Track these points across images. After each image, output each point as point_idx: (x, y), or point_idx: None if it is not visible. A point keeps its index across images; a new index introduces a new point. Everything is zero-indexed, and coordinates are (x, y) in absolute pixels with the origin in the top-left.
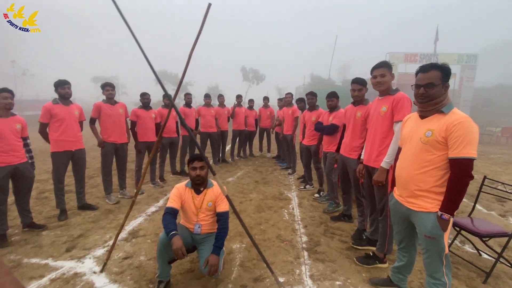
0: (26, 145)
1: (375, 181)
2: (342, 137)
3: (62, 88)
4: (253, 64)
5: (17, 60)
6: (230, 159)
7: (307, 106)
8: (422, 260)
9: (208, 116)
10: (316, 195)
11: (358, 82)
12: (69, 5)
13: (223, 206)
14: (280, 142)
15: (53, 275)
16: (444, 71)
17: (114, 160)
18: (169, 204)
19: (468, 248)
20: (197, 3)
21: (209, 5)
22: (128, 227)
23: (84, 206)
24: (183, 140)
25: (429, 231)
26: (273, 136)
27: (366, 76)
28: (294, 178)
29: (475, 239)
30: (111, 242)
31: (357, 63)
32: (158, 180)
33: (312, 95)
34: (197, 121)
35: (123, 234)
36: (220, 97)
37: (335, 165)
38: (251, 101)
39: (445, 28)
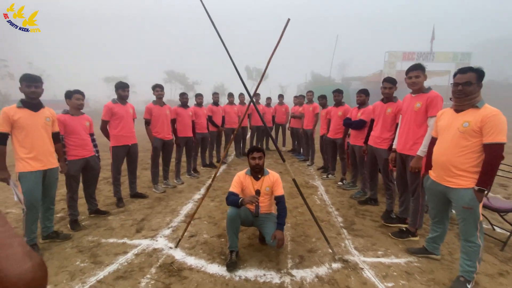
0: (93, 140)
1: (412, 167)
2: (369, 131)
3: (123, 90)
4: (257, 63)
5: (34, 62)
6: None
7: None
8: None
9: (232, 113)
10: (340, 183)
11: (390, 81)
12: (80, 10)
13: (280, 190)
14: (298, 136)
15: (135, 251)
16: (479, 73)
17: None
18: (231, 189)
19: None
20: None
21: (288, 20)
22: (183, 211)
23: (136, 195)
24: (211, 135)
25: (467, 203)
26: (286, 131)
27: (364, 73)
28: (313, 169)
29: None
30: (173, 224)
31: (355, 61)
32: (193, 172)
33: (338, 92)
34: (223, 118)
35: (181, 217)
36: (241, 96)
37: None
38: (268, 99)
39: (440, 27)
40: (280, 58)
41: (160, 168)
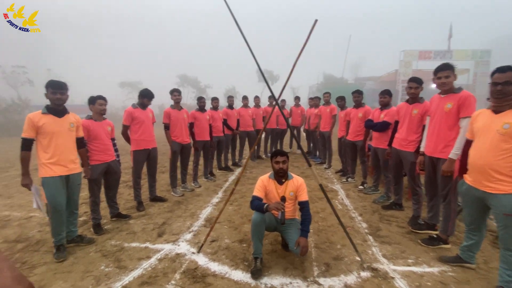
0: (114, 145)
1: (444, 171)
2: (394, 133)
3: (148, 100)
4: (267, 65)
5: (53, 68)
6: (264, 155)
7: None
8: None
9: (246, 116)
10: (360, 187)
11: (416, 81)
12: (94, 15)
13: (304, 196)
14: (313, 139)
15: (158, 255)
16: None
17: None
18: (255, 193)
19: None
20: (214, 12)
21: (316, 21)
22: (203, 215)
23: (155, 198)
24: (226, 138)
25: (510, 210)
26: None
27: (378, 73)
28: (331, 172)
29: None
30: (194, 228)
31: (368, 61)
32: (209, 175)
33: (358, 93)
34: (238, 121)
35: (201, 221)
36: (256, 99)
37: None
38: (282, 101)
39: (456, 24)
40: (291, 59)
41: (178, 171)
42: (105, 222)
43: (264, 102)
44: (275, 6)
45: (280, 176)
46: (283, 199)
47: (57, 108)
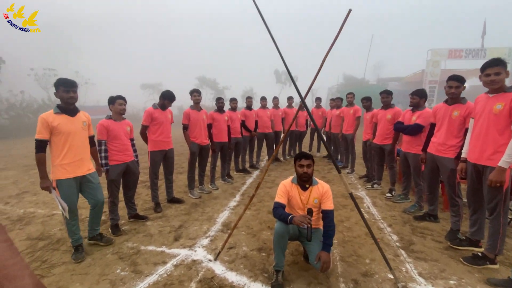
0: (133, 145)
1: (493, 181)
2: (429, 136)
3: (169, 102)
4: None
5: (80, 71)
6: (282, 158)
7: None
8: None
9: (265, 118)
10: (388, 194)
11: (456, 79)
12: (117, 17)
13: (329, 204)
14: (335, 141)
15: (174, 261)
16: None
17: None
18: (277, 199)
19: None
20: (234, 12)
21: (350, 10)
22: (220, 220)
23: (172, 200)
24: (244, 140)
25: None
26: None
27: (402, 73)
28: (354, 177)
29: None
30: (211, 233)
31: (391, 61)
32: (227, 177)
33: (387, 93)
34: (256, 122)
35: (218, 226)
36: (275, 100)
37: (422, 166)
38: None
39: (492, 22)
40: (310, 60)
41: (196, 173)
42: (122, 223)
43: (283, 103)
44: (292, 6)
45: (304, 181)
46: (309, 212)
47: (69, 107)
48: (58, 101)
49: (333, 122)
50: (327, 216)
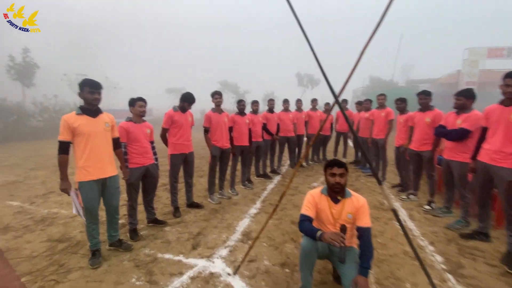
0: (153, 148)
1: None
2: (479, 143)
3: (189, 104)
4: (307, 69)
5: (110, 76)
6: (304, 163)
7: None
8: None
9: (287, 121)
10: (427, 207)
11: None
12: (143, 23)
13: (366, 221)
14: (364, 147)
15: (190, 273)
16: None
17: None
18: (304, 211)
19: None
20: (254, 15)
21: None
22: (239, 228)
23: (192, 205)
24: (265, 144)
25: None
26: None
27: (434, 74)
28: (386, 186)
29: None
30: (230, 243)
31: (422, 62)
32: (247, 182)
33: (425, 94)
34: (278, 125)
35: (238, 235)
36: (298, 102)
37: (470, 176)
38: (327, 105)
39: None
40: (332, 62)
41: (216, 177)
42: (141, 227)
43: (306, 106)
44: (319, 6)
45: (336, 193)
46: (343, 229)
47: (91, 108)
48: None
49: (361, 125)
50: (364, 234)
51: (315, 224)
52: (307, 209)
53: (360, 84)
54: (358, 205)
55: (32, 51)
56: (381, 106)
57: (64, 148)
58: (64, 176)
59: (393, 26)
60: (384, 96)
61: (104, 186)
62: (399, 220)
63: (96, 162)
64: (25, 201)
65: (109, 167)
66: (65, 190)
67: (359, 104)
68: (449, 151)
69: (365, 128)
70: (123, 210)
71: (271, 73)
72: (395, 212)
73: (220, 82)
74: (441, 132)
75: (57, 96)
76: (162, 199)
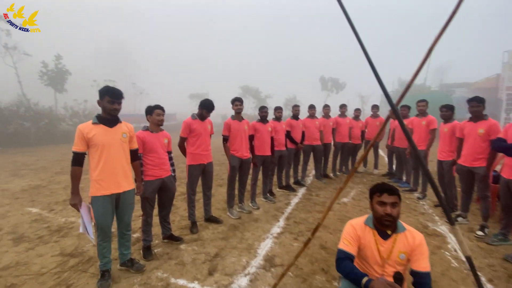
0: (170, 158)
1: None
2: None
3: (208, 112)
4: (332, 72)
5: (137, 83)
6: (331, 174)
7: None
8: None
9: (313, 128)
10: (480, 232)
11: None
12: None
13: (425, 264)
14: (400, 158)
15: None
16: None
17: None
18: (342, 247)
19: None
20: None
21: None
22: (261, 251)
23: (210, 219)
24: (288, 153)
25: None
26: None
27: (471, 78)
28: (428, 205)
29: None
30: (250, 269)
31: (457, 64)
32: (268, 194)
33: (477, 101)
34: (303, 133)
35: (259, 260)
36: (326, 108)
37: None
38: (357, 111)
39: None
40: (359, 64)
41: (236, 189)
42: (156, 243)
43: (335, 112)
44: (347, 6)
45: (386, 226)
46: (398, 278)
47: (109, 118)
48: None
49: (398, 134)
50: (422, 281)
51: (357, 263)
52: (347, 244)
53: (389, 88)
54: (414, 243)
55: (64, 58)
56: (422, 113)
57: (77, 159)
58: (75, 190)
59: (426, 25)
60: (425, 102)
61: (117, 201)
62: (474, 272)
63: (110, 175)
64: (44, 208)
65: (124, 181)
66: (75, 205)
67: (425, 104)
68: (509, 168)
69: (402, 138)
70: (137, 223)
71: (294, 77)
72: (469, 260)
73: (241, 87)
74: (501, 147)
75: (87, 101)
76: (179, 211)
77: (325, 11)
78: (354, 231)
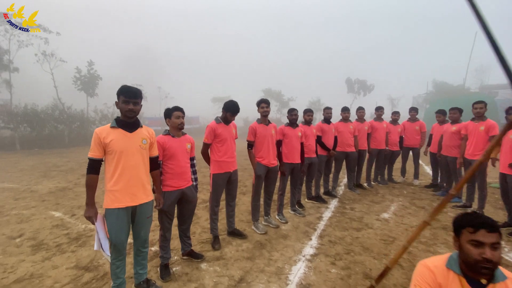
0: (192, 165)
1: None
2: None
3: (232, 115)
4: (359, 74)
5: (162, 86)
6: (366, 184)
7: None
8: None
9: (346, 133)
10: None
11: None
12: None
13: None
14: (447, 168)
15: None
16: None
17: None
18: None
19: None
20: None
21: None
22: (293, 277)
23: (234, 232)
24: (319, 160)
25: None
26: (421, 158)
27: None
28: None
29: None
30: None
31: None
32: (297, 206)
33: None
34: (335, 138)
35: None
36: (360, 111)
37: None
38: (395, 114)
39: None
40: (389, 65)
41: (261, 200)
42: (175, 260)
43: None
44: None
45: (482, 273)
46: None
47: (128, 121)
48: (143, 113)
49: (446, 141)
50: None
51: None
52: None
53: (422, 90)
54: None
55: (96, 64)
56: (479, 117)
57: (93, 166)
58: (90, 201)
59: (466, 21)
60: (484, 104)
61: (133, 215)
62: None
63: (127, 186)
64: (67, 212)
65: (142, 193)
66: (90, 218)
67: (441, 114)
68: None
69: (451, 146)
70: (155, 234)
71: (317, 79)
72: None
73: (263, 90)
74: None
75: (115, 105)
76: (201, 221)
77: (354, 12)
78: (432, 277)
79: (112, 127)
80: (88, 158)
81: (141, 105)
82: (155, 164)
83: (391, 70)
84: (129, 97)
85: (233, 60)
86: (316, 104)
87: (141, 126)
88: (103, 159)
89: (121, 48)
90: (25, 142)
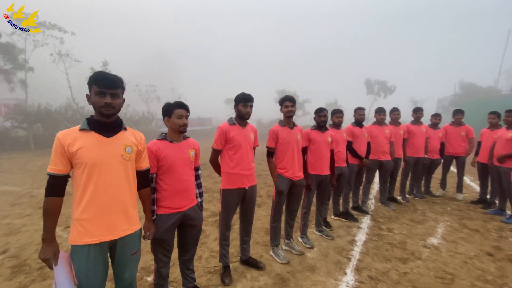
0: (197, 177)
1: None
2: None
3: (244, 105)
4: (379, 75)
5: (176, 87)
6: (400, 198)
7: None
8: None
9: (381, 138)
10: None
11: None
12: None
13: None
14: (498, 179)
15: None
16: None
17: None
18: None
19: None
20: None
21: None
22: None
23: (248, 261)
24: (350, 170)
25: None
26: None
27: None
28: None
29: None
30: None
31: None
32: (324, 226)
33: None
34: (368, 145)
35: None
36: (395, 112)
37: None
38: (435, 117)
39: None
40: (412, 66)
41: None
42: None
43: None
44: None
45: None
46: None
47: (104, 121)
48: (156, 114)
49: (499, 149)
50: None
51: None
52: None
53: (448, 92)
54: None
55: (110, 64)
56: None
57: (55, 186)
58: (49, 235)
59: (497, 18)
60: None
61: (113, 251)
62: None
63: (101, 213)
64: (61, 224)
65: (124, 221)
66: (46, 260)
67: (496, 116)
68: None
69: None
70: (151, 259)
71: (334, 80)
72: None
73: (278, 92)
74: None
75: (129, 105)
76: (209, 240)
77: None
78: None
79: (82, 129)
80: (48, 174)
81: (123, 99)
82: (144, 180)
83: (413, 70)
84: (105, 86)
85: (248, 60)
86: (333, 106)
87: (125, 128)
88: (70, 175)
89: (136, 48)
90: (39, 141)
